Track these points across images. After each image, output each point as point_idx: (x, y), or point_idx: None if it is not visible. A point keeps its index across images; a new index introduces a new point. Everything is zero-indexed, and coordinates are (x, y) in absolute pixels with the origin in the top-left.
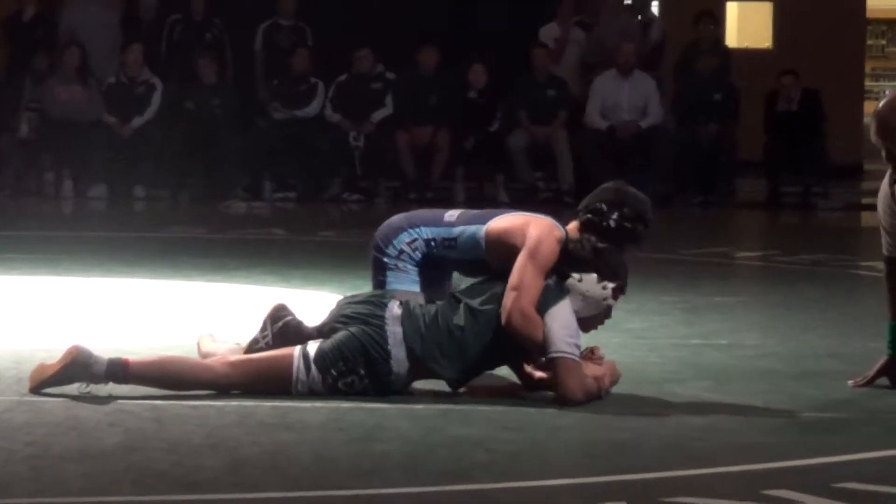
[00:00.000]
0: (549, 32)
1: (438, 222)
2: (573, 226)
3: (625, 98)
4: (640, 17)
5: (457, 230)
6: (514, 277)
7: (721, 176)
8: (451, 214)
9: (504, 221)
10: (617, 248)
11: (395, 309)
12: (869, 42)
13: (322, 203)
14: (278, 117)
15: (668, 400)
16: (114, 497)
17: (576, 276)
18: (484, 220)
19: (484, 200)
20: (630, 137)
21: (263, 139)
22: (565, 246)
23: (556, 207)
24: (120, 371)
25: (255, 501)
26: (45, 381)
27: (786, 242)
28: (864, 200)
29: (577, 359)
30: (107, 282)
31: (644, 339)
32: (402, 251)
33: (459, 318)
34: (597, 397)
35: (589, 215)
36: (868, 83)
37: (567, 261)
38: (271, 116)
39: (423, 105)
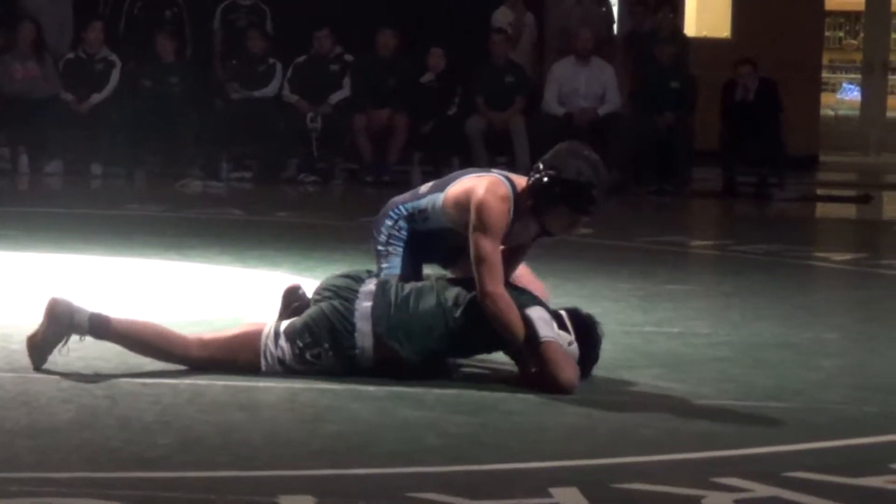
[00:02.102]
0: (501, 17)
1: (414, 196)
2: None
3: (582, 85)
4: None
5: (425, 201)
6: (472, 255)
7: (677, 165)
8: (426, 186)
9: (457, 187)
10: (566, 209)
11: (370, 285)
12: (827, 34)
13: (278, 184)
14: (236, 97)
15: (620, 387)
16: (65, 473)
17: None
18: (443, 188)
19: None
20: (587, 124)
21: (221, 119)
22: (521, 194)
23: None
24: (102, 325)
25: (206, 480)
26: (40, 350)
27: (740, 232)
28: (820, 191)
29: (561, 343)
30: (61, 258)
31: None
32: (390, 235)
33: (430, 301)
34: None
35: (534, 174)
36: (825, 75)
37: (535, 204)
38: (229, 96)
39: (381, 88)
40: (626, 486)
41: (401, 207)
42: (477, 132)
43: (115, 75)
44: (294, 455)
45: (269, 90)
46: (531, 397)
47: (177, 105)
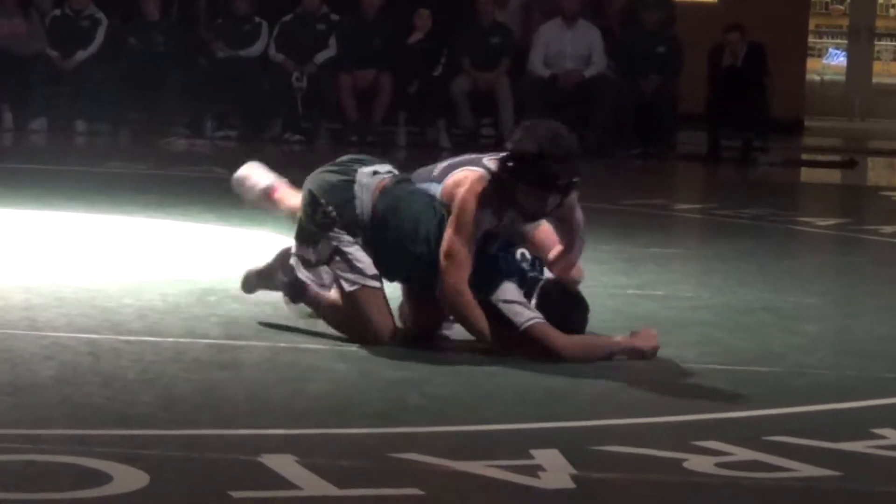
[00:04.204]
0: None
1: (427, 178)
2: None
3: (569, 47)
4: None
5: (433, 188)
6: (442, 249)
7: (662, 128)
8: (438, 168)
9: (450, 180)
10: (526, 188)
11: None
12: None
13: (262, 143)
14: (221, 56)
15: None
16: (47, 430)
17: None
18: (441, 179)
19: (426, 146)
20: (572, 86)
21: (206, 77)
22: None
23: (497, 153)
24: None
25: (187, 438)
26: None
27: (724, 196)
28: (805, 156)
29: (544, 320)
30: (44, 215)
31: (580, 287)
32: None
33: (422, 202)
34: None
35: (500, 160)
36: (811, 40)
37: (501, 190)
38: (214, 55)
39: (367, 48)
40: (607, 448)
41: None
42: (462, 93)
43: (100, 33)
44: (276, 414)
45: (255, 49)
46: (514, 360)
47: (162, 63)
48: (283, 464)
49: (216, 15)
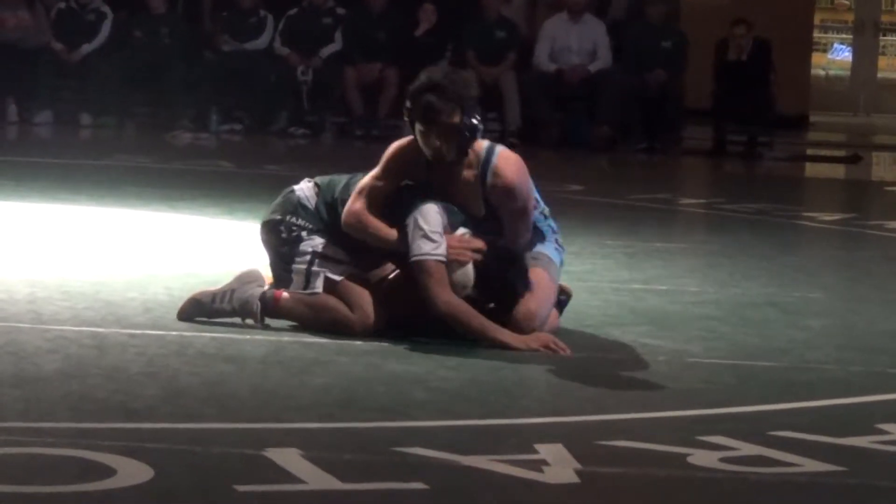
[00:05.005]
0: None
1: None
2: None
3: (574, 41)
4: None
5: None
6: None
7: (667, 123)
8: None
9: None
10: (415, 127)
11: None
12: None
13: (268, 136)
14: (227, 50)
15: (607, 344)
16: (51, 423)
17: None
18: None
19: None
20: (578, 81)
21: (211, 71)
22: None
23: None
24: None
25: (192, 431)
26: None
27: (729, 191)
28: (809, 151)
29: (439, 259)
30: (50, 208)
31: (585, 282)
32: None
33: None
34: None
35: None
36: (816, 35)
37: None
38: (219, 48)
39: (372, 42)
40: (611, 443)
41: None
42: None
43: (106, 26)
44: (280, 408)
45: (260, 43)
46: (518, 354)
47: (167, 57)
48: (288, 457)
49: (221, 8)
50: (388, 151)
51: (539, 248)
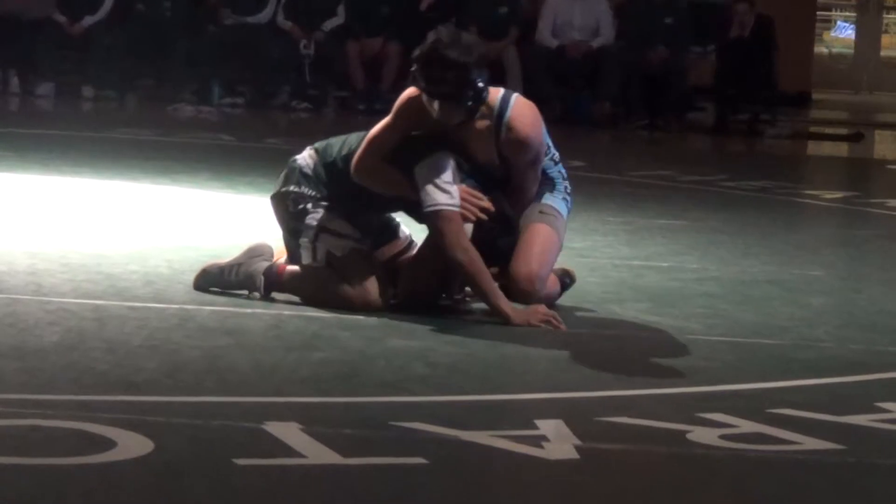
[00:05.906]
0: None
1: None
2: None
3: (577, 17)
4: None
5: None
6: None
7: (669, 100)
8: None
9: None
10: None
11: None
12: None
13: (270, 110)
14: (229, 23)
15: (608, 320)
16: (51, 395)
17: None
18: None
19: None
20: (580, 57)
21: (213, 44)
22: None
23: None
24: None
25: (192, 405)
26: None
27: (731, 168)
28: (812, 129)
29: (454, 209)
30: (51, 180)
31: (586, 258)
32: None
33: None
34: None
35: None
36: (819, 13)
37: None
38: (222, 22)
39: (375, 16)
40: (611, 419)
41: None
42: None
43: None
44: (281, 382)
45: (263, 16)
46: (519, 330)
47: (169, 30)
48: (288, 432)
49: None
50: (399, 101)
51: (548, 198)
